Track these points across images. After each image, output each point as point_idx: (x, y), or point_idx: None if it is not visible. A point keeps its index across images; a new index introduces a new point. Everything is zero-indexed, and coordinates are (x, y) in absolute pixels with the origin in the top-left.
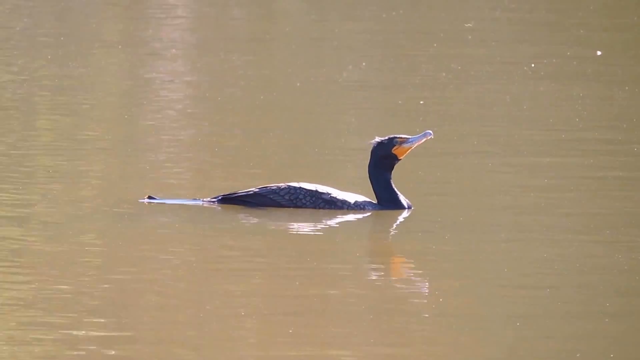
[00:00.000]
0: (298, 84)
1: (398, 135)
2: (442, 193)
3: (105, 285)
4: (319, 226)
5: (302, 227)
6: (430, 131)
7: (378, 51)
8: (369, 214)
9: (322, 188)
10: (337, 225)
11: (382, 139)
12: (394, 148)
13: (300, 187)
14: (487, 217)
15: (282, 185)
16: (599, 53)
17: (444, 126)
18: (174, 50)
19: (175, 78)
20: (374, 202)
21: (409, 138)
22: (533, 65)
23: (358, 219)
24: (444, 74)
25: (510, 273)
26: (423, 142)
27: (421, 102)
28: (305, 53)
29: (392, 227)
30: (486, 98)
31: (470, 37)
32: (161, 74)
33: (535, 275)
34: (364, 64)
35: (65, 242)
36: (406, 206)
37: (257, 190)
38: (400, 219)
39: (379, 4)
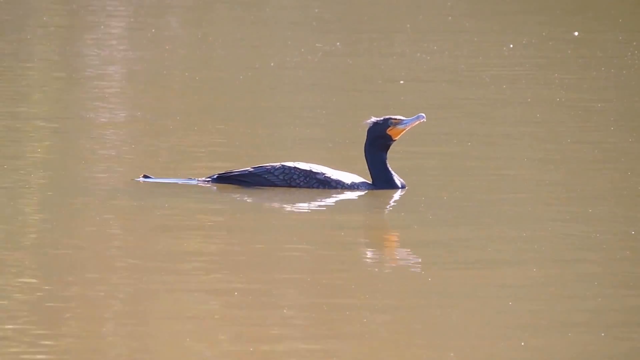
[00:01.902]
0: (272, 64)
1: (393, 117)
2: (436, 173)
3: (95, 260)
4: (311, 206)
5: (294, 206)
6: (423, 114)
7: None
8: (362, 193)
9: (316, 168)
10: (330, 205)
11: (378, 119)
12: (389, 129)
13: (294, 167)
14: (482, 199)
15: (277, 164)
16: (576, 34)
17: (424, 109)
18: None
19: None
20: (368, 182)
21: (403, 120)
22: (511, 45)
23: (351, 198)
24: (418, 54)
25: (501, 253)
26: (416, 125)
27: (401, 81)
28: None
29: (385, 206)
30: (468, 81)
31: (450, 18)
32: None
33: (527, 251)
34: (338, 44)
35: (56, 220)
36: (400, 186)
37: (252, 169)
38: (395, 198)
39: None
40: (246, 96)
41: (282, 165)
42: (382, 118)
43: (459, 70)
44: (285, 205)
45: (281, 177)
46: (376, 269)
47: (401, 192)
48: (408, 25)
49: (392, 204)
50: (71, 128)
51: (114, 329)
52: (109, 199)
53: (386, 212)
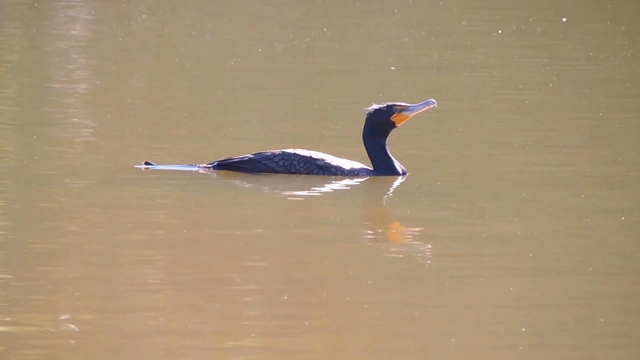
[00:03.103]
0: (259, 50)
1: (397, 103)
2: (436, 160)
3: (97, 246)
4: (311, 192)
5: (294, 193)
6: (433, 100)
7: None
8: (363, 180)
9: (316, 154)
10: (328, 191)
11: (380, 106)
12: (393, 115)
13: (294, 153)
14: (482, 184)
15: (277, 151)
16: (564, 20)
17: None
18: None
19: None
20: (369, 168)
21: (409, 106)
22: (500, 31)
23: (351, 185)
24: (405, 40)
25: (502, 239)
26: (424, 111)
27: (392, 67)
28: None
29: (386, 192)
30: (464, 67)
31: (441, 2)
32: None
33: (529, 238)
34: (325, 29)
35: (56, 206)
36: (401, 172)
37: (252, 156)
38: (395, 184)
39: None
40: (234, 84)
41: (282, 151)
42: (384, 105)
43: (447, 56)
44: (282, 192)
45: (281, 163)
46: (376, 257)
47: (402, 178)
48: (396, 10)
49: (393, 190)
50: (53, 119)
51: (77, 317)
52: (110, 186)
53: (387, 198)
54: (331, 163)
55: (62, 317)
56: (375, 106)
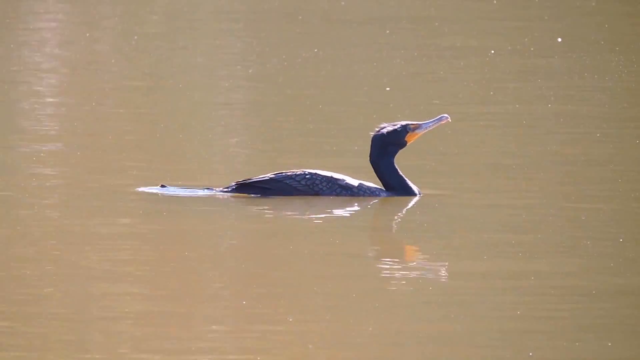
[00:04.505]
0: (250, 71)
1: (410, 122)
2: (441, 177)
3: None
4: (336, 214)
5: (319, 214)
6: (447, 115)
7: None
8: (386, 200)
9: (336, 175)
10: (355, 213)
11: (395, 126)
12: (407, 135)
13: (316, 173)
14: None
15: (298, 171)
16: (559, 40)
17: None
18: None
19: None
20: (382, 188)
21: (421, 124)
22: (493, 51)
23: (381, 206)
24: (401, 51)
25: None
26: (436, 127)
27: (387, 88)
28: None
29: (414, 215)
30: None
31: (437, 23)
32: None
33: (547, 261)
34: (316, 50)
35: (69, 233)
36: (417, 193)
37: (273, 176)
38: (416, 206)
39: None
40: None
41: (303, 171)
42: (399, 125)
43: (441, 73)
44: (312, 213)
45: (303, 182)
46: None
47: (418, 198)
48: (387, 31)
49: (417, 211)
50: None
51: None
52: (124, 208)
53: (414, 221)
54: (352, 183)
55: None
56: (389, 127)
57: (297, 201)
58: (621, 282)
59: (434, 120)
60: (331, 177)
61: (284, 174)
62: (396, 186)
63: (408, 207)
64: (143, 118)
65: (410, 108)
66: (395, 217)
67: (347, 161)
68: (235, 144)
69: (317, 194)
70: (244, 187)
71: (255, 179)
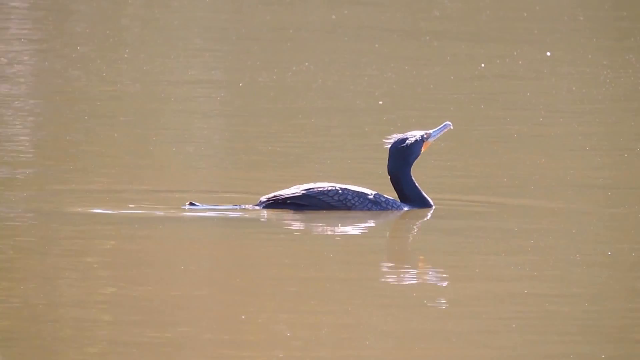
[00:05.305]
0: (240, 84)
1: (425, 131)
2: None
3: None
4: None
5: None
6: (449, 122)
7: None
8: (413, 213)
9: (364, 189)
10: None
11: (416, 137)
12: (424, 145)
13: (346, 188)
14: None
15: (328, 185)
16: (548, 54)
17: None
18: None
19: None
20: (398, 201)
21: (431, 132)
22: (483, 65)
23: (413, 220)
24: (392, 64)
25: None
26: (442, 135)
27: (380, 102)
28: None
29: (435, 226)
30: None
31: (427, 37)
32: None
33: (559, 275)
34: (306, 63)
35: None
36: (432, 204)
37: (305, 191)
38: (432, 218)
39: None
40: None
41: (334, 186)
42: (418, 135)
43: (432, 90)
44: (348, 229)
45: (336, 197)
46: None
47: (433, 210)
48: (376, 46)
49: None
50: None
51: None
52: (153, 227)
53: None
54: (380, 197)
55: None
56: (409, 137)
57: (331, 215)
58: None
59: (439, 128)
60: (361, 192)
61: (315, 189)
62: (413, 197)
63: (427, 218)
64: (131, 132)
65: (402, 120)
66: (423, 227)
67: (339, 173)
68: (226, 157)
69: (349, 209)
70: (274, 204)
71: (285, 194)
